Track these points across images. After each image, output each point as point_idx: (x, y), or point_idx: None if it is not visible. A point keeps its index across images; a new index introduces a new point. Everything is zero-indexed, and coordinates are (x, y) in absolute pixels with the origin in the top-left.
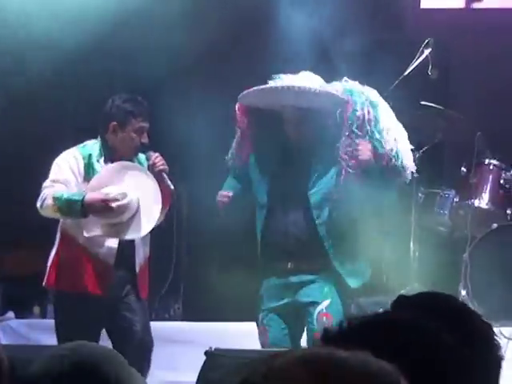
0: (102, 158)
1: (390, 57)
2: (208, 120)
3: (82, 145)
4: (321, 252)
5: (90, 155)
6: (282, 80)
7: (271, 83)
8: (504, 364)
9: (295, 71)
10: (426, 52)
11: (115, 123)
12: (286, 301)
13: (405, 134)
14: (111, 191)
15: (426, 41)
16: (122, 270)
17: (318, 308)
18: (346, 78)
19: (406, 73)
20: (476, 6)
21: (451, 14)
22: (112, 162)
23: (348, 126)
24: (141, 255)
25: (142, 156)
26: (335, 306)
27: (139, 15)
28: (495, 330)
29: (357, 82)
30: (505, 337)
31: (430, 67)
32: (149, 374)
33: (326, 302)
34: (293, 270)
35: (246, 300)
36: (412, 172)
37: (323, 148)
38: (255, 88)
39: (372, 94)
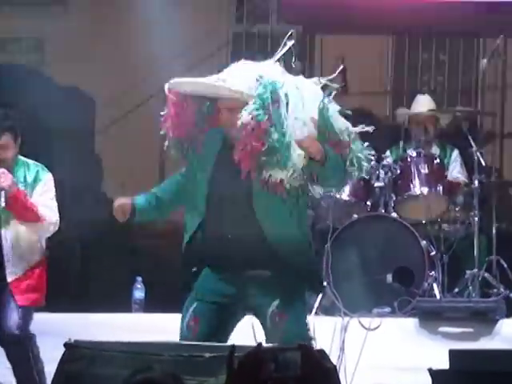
0: None
1: (254, 49)
2: None
3: None
4: None
5: None
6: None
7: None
8: (364, 354)
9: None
10: (289, 44)
11: None
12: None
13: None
14: None
15: (289, 32)
16: None
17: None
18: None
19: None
20: None
21: (316, 4)
22: None
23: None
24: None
25: (30, 165)
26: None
27: None
28: (355, 320)
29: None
30: (364, 327)
31: (294, 59)
32: (7, 366)
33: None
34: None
35: (106, 291)
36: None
37: None
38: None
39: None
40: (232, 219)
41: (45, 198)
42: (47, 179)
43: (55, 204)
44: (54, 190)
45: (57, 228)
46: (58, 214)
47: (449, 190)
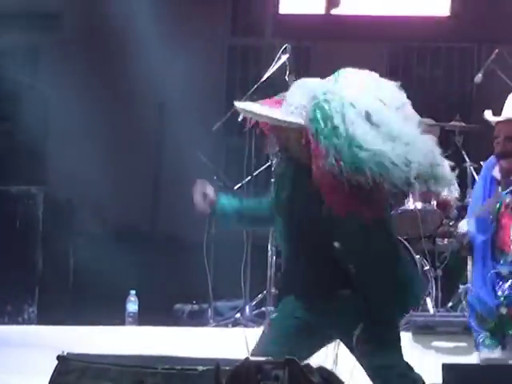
0: None
1: (248, 63)
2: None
3: None
4: None
5: None
6: None
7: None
8: (358, 368)
9: None
10: (284, 58)
11: None
12: None
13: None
14: None
15: (284, 46)
16: None
17: None
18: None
19: (263, 79)
20: (334, 12)
21: (311, 19)
22: None
23: None
24: None
25: None
26: None
27: None
28: None
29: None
30: None
31: (288, 73)
32: (1, 379)
33: None
34: None
35: (100, 304)
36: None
37: None
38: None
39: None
40: (308, 245)
41: None
42: None
43: None
44: None
45: None
46: None
47: (441, 207)
